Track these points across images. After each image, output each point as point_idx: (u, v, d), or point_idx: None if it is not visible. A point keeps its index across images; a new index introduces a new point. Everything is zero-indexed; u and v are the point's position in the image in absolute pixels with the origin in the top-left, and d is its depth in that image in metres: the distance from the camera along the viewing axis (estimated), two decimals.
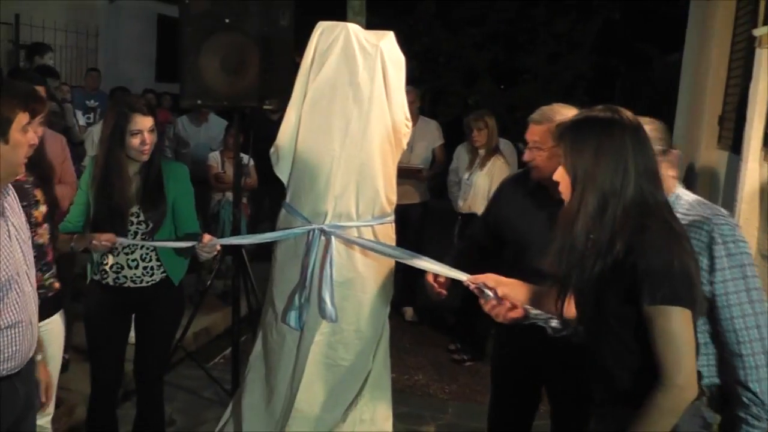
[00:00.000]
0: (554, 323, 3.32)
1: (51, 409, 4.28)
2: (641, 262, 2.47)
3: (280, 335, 3.99)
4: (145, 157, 4.19)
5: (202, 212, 7.90)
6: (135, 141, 4.11)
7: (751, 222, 5.57)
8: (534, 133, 3.74)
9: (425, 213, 8.31)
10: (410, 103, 7.79)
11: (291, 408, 3.89)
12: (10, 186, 3.11)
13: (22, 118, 2.88)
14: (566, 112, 3.65)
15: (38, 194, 3.93)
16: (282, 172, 4.02)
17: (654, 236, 2.50)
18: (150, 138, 4.17)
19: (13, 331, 3.01)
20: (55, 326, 4.12)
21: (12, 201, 3.12)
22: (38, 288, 3.78)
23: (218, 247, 4.13)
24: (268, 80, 4.92)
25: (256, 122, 7.70)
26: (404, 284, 8.46)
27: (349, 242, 3.84)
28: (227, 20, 4.94)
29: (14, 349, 3.03)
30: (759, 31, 5.58)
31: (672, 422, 2.46)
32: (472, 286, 3.44)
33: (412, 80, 10.81)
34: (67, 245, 4.11)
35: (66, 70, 13.56)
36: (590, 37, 16.73)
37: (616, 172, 2.58)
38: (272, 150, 4.03)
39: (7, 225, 3.00)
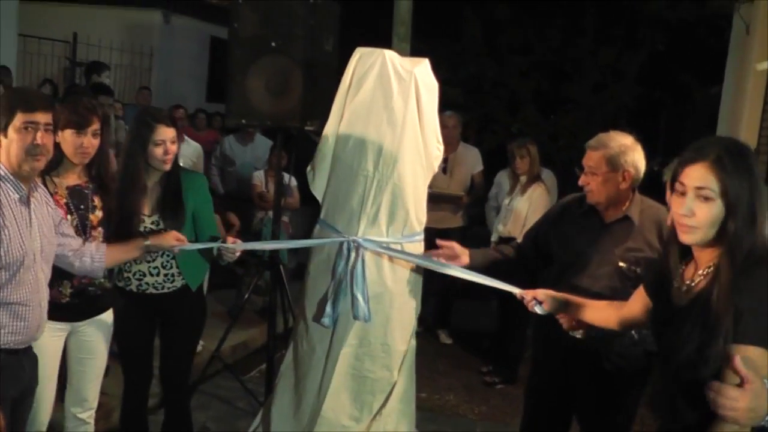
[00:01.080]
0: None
1: (95, 403, 4.48)
2: (739, 302, 2.46)
3: (310, 346, 4.14)
4: (167, 167, 4.37)
5: (245, 229, 8.10)
6: (158, 151, 4.30)
7: None
8: (590, 158, 3.96)
9: (464, 238, 8.43)
10: (452, 128, 8.04)
11: (317, 415, 4.04)
12: (40, 185, 3.56)
13: (20, 117, 3.22)
14: (622, 140, 3.90)
15: (96, 200, 4.17)
16: (317, 190, 4.17)
17: (759, 278, 2.49)
18: (172, 148, 4.35)
19: (23, 308, 3.31)
20: (102, 324, 4.32)
21: (41, 197, 3.48)
22: (89, 286, 4.10)
23: (237, 253, 4.28)
24: (311, 102, 5.10)
25: (301, 143, 7.91)
26: (439, 307, 8.61)
27: (384, 253, 3.99)
28: (273, 44, 5.13)
29: (23, 324, 3.33)
30: (762, 66, 5.67)
31: None
32: (527, 299, 3.65)
33: (456, 107, 10.97)
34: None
35: (120, 88, 13.91)
36: (635, 68, 16.74)
37: (761, 203, 2.55)
38: (309, 168, 4.19)
39: (30, 213, 3.32)
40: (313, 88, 5.09)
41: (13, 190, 3.28)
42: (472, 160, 8.41)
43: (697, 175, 2.60)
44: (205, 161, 9.33)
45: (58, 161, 3.94)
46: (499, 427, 6.24)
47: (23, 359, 3.43)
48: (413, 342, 4.21)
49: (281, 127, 5.61)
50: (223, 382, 6.60)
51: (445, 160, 8.11)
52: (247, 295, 6.42)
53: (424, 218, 4.13)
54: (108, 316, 4.37)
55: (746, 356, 2.35)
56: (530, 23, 17.15)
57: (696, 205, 2.60)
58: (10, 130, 3.24)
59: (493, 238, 7.61)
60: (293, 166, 6.93)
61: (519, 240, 7.08)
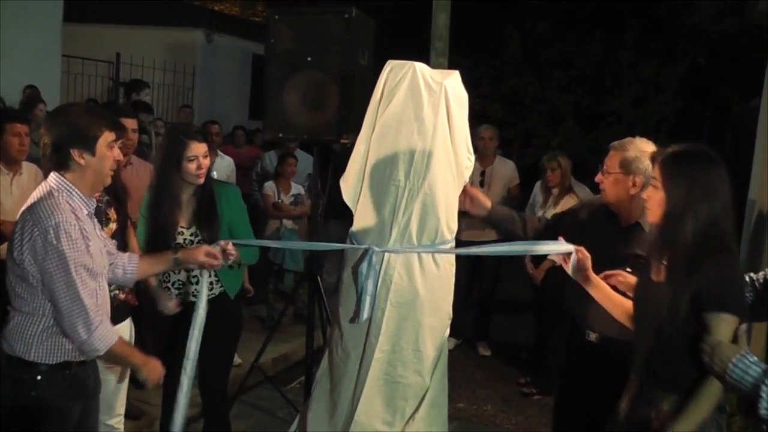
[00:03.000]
0: None
1: (122, 410, 4.63)
2: (712, 278, 3.09)
3: (345, 353, 4.20)
4: (201, 181, 4.53)
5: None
6: (192, 166, 4.45)
7: None
8: (609, 158, 4.15)
9: None
10: (488, 140, 8.12)
11: (351, 420, 4.10)
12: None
13: (108, 135, 3.39)
14: (644, 147, 4.06)
15: (111, 213, 4.31)
16: (350, 200, 4.25)
17: (723, 258, 3.10)
18: (205, 162, 4.52)
19: None
20: (121, 334, 4.45)
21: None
22: None
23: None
24: (347, 116, 5.18)
25: (341, 157, 8.04)
26: (478, 319, 8.66)
27: (409, 251, 4.05)
28: (309, 58, 5.23)
29: None
30: None
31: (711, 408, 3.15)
32: (579, 257, 3.81)
33: (497, 122, 10.98)
34: None
35: (163, 106, 14.13)
36: (675, 81, 16.69)
37: (705, 202, 3.11)
38: (342, 179, 4.28)
39: (94, 226, 3.51)
40: (348, 102, 5.18)
41: (83, 206, 3.44)
42: (509, 173, 8.46)
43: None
44: (242, 176, 9.48)
45: None
46: None
47: (89, 368, 3.59)
48: (446, 348, 4.26)
49: (317, 141, 5.70)
50: (264, 392, 6.70)
51: (482, 173, 8.18)
52: (285, 308, 6.49)
53: (455, 226, 4.19)
54: (126, 326, 4.50)
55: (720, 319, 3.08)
56: (570, 38, 17.17)
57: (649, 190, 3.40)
58: (101, 148, 3.39)
59: None
60: (329, 177, 7.04)
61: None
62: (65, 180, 3.38)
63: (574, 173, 7.66)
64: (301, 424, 4.44)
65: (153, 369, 3.67)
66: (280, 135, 5.56)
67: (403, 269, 4.02)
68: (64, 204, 3.32)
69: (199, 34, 16.41)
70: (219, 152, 8.62)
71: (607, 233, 4.18)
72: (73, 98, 12.86)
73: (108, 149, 3.41)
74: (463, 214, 4.49)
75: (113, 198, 4.38)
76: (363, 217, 4.16)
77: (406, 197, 3.98)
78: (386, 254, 4.04)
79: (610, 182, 4.09)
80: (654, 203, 3.33)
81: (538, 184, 8.01)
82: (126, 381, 4.60)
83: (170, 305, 4.56)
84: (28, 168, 5.30)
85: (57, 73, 11.70)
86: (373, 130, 4.10)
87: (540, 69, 17.58)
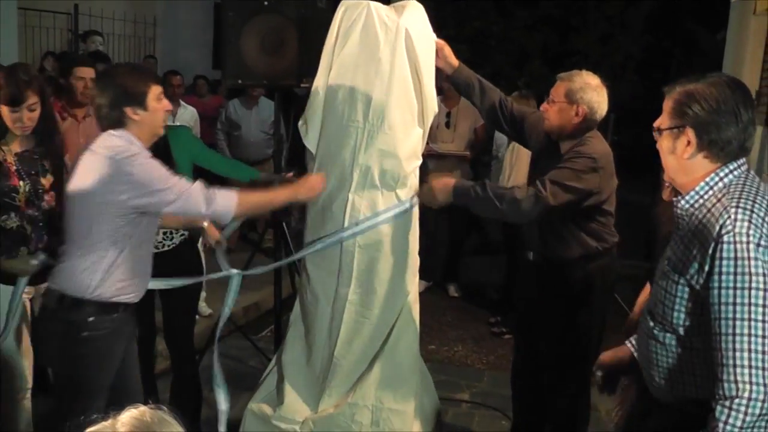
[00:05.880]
0: None
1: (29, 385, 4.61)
2: None
3: (314, 297, 4.21)
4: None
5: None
6: None
7: None
8: (554, 88, 4.29)
9: None
10: None
11: (330, 363, 4.15)
12: None
13: (155, 89, 3.55)
14: (589, 79, 4.22)
15: (46, 164, 4.23)
16: (311, 143, 4.22)
17: None
18: None
19: (141, 266, 3.66)
20: None
21: None
22: (44, 250, 4.13)
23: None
24: (306, 60, 5.09)
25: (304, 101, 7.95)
26: (448, 261, 8.67)
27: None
28: (266, 3, 5.13)
29: (138, 280, 3.66)
30: None
31: None
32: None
33: (463, 63, 10.86)
34: None
35: (124, 58, 13.86)
36: (641, 18, 16.66)
37: None
38: (300, 122, 4.24)
39: None
40: (308, 46, 5.08)
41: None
42: (474, 114, 8.35)
43: None
44: (207, 126, 9.36)
45: (4, 130, 4.05)
46: (506, 376, 6.20)
47: (129, 313, 3.70)
48: (416, 281, 4.30)
49: (278, 86, 5.62)
50: (235, 342, 6.68)
51: (448, 115, 8.13)
52: (251, 257, 6.43)
53: (418, 162, 4.18)
54: None
55: None
56: None
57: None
58: (151, 102, 3.54)
59: None
60: (293, 124, 6.95)
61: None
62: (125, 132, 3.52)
63: None
64: (277, 365, 4.47)
65: (309, 186, 3.97)
66: (240, 82, 5.47)
67: (369, 210, 4.02)
68: (136, 141, 3.50)
69: None
70: (182, 102, 8.49)
71: (549, 155, 4.33)
72: (32, 52, 12.60)
73: (157, 102, 3.58)
74: (429, 156, 4.49)
75: (47, 149, 4.28)
76: (324, 160, 4.13)
77: (366, 138, 3.96)
78: (350, 196, 4.04)
79: (554, 111, 4.22)
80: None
81: None
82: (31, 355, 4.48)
83: None
84: None
85: (14, 26, 11.40)
86: (330, 72, 4.07)
87: (505, 9, 17.47)
